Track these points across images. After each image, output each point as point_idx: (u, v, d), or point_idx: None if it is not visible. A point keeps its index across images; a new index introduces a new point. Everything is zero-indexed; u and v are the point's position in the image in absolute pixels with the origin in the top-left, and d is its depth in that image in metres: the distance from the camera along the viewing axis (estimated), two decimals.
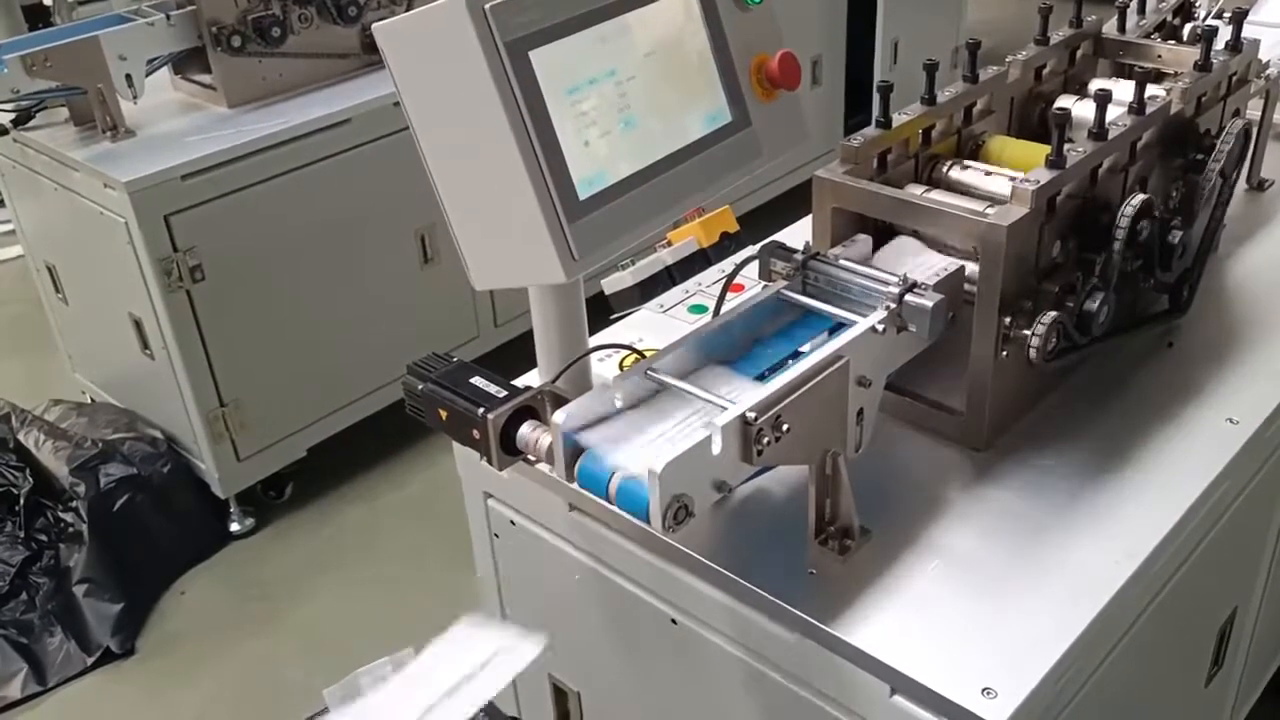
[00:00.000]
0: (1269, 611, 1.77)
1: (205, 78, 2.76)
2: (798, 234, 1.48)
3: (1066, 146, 1.22)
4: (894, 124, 1.33)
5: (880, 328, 1.10)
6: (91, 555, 2.59)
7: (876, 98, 1.33)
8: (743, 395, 1.02)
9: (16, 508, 2.65)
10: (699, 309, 1.59)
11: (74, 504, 2.62)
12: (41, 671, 2.50)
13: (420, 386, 1.12)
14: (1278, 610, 1.84)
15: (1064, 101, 1.51)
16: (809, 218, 1.34)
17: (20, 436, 2.75)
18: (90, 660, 2.53)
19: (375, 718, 1.02)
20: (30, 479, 2.67)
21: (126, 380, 2.93)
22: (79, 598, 2.58)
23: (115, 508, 2.65)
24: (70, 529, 2.63)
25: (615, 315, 1.60)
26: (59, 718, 2.45)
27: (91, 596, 2.58)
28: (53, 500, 2.67)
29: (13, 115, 2.68)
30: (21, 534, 2.63)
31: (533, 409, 1.07)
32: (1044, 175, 1.20)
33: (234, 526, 2.90)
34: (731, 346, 1.14)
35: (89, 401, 3.12)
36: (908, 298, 1.12)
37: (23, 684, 2.48)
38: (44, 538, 2.65)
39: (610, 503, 1.00)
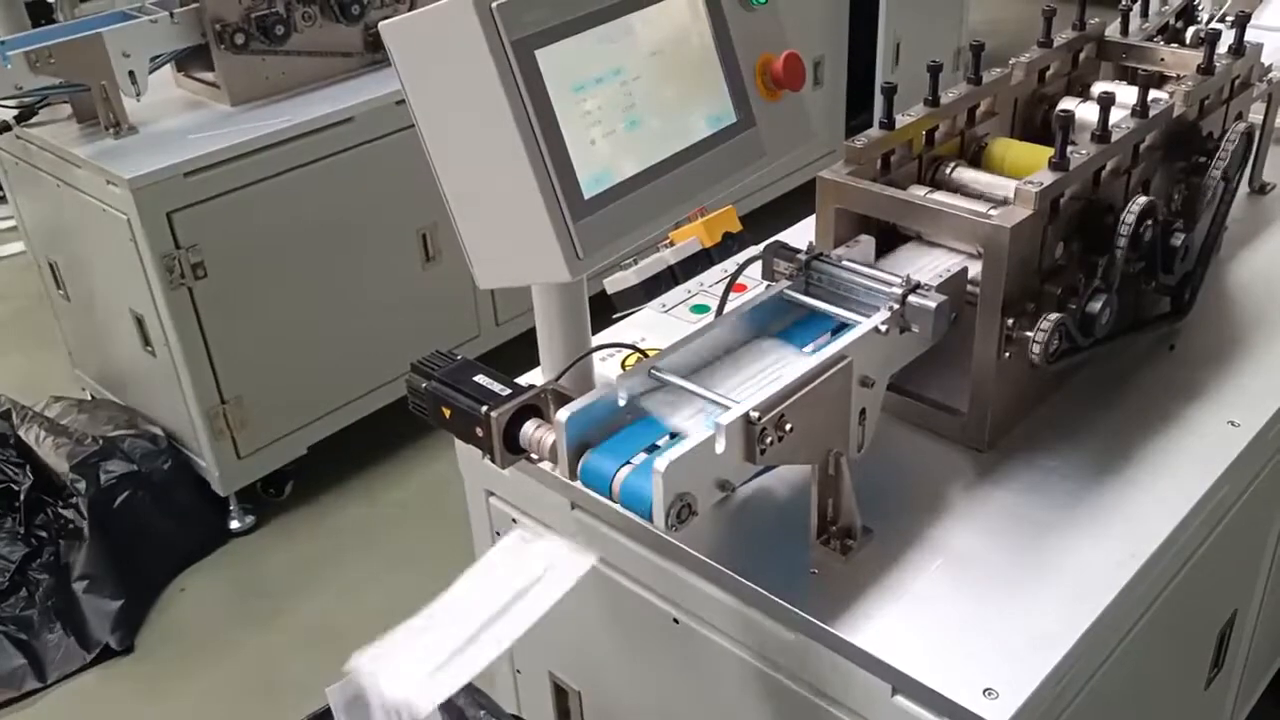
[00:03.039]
0: (1268, 614, 1.78)
1: (208, 75, 2.77)
2: (801, 234, 1.48)
3: (1070, 149, 1.22)
4: (897, 125, 1.33)
5: (883, 328, 1.11)
6: (91, 552, 2.59)
7: (880, 99, 1.33)
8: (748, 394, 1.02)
9: (17, 504, 2.65)
10: (701, 309, 1.59)
11: (74, 500, 2.62)
12: (41, 668, 2.50)
13: (424, 384, 1.12)
14: (1277, 613, 1.84)
15: (1067, 104, 1.52)
16: (812, 218, 1.34)
17: (21, 433, 2.75)
18: (89, 657, 2.53)
19: (427, 641, 1.02)
20: (30, 475, 2.68)
21: (127, 377, 2.94)
22: (79, 594, 2.58)
23: (115, 504, 2.65)
24: (70, 525, 2.63)
25: (617, 314, 1.60)
26: (58, 714, 2.45)
27: (91, 593, 2.58)
28: (53, 497, 2.67)
29: (16, 111, 2.68)
30: (21, 530, 2.63)
31: (536, 407, 1.08)
32: (1047, 177, 1.20)
33: (234, 524, 2.90)
34: (734, 346, 1.15)
35: (90, 398, 3.12)
36: (911, 298, 1.12)
37: (22, 680, 2.48)
38: (44, 534, 2.65)
39: (614, 501, 1.00)
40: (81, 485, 2.62)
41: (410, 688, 1.00)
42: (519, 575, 1.07)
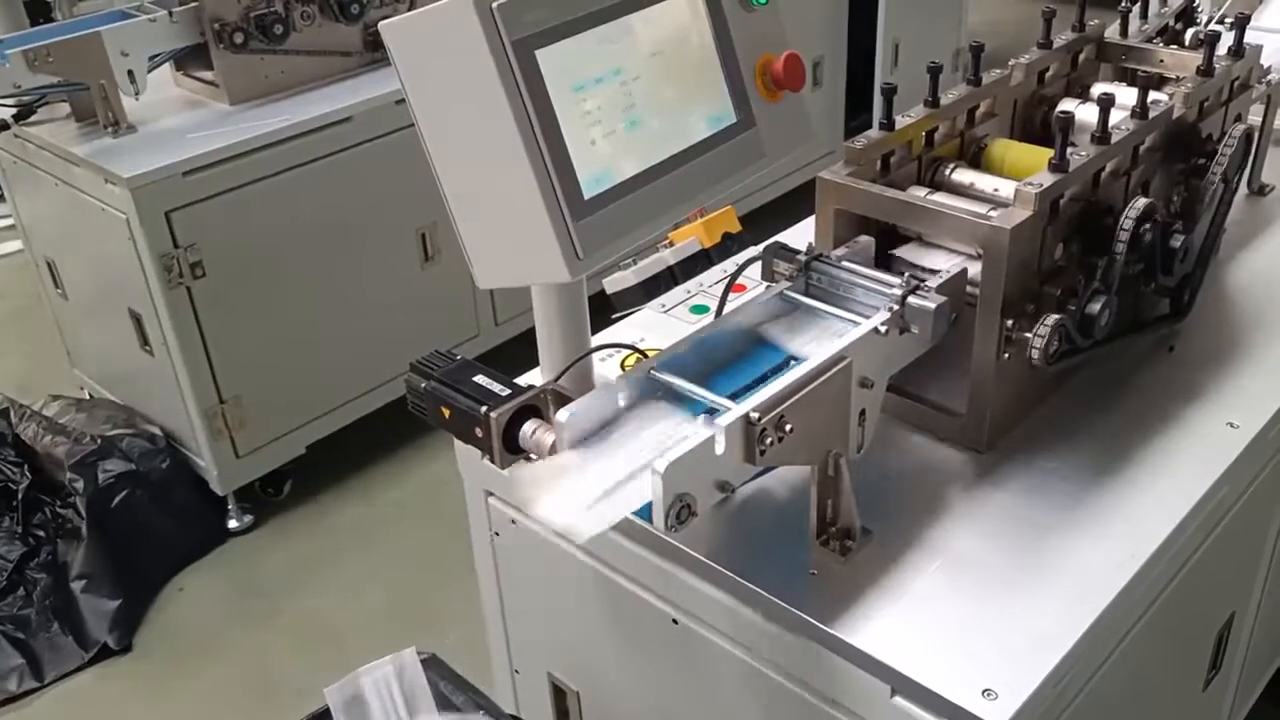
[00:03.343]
0: (1266, 616, 1.78)
1: (207, 74, 2.76)
2: (800, 235, 1.49)
3: (1069, 150, 1.22)
4: (897, 126, 1.33)
5: (883, 329, 1.11)
6: (89, 551, 2.59)
7: (880, 100, 1.33)
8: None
9: (15, 503, 2.65)
10: (701, 309, 1.59)
11: (72, 500, 2.62)
12: (38, 667, 2.50)
13: (423, 384, 1.12)
14: (1275, 615, 1.84)
15: (1067, 105, 1.52)
16: (811, 218, 1.34)
17: (19, 432, 2.75)
18: (87, 656, 2.53)
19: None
20: (29, 474, 2.68)
21: (126, 376, 2.93)
22: (76, 594, 2.57)
23: (113, 504, 2.64)
24: (68, 525, 2.62)
25: (617, 314, 1.60)
26: (55, 714, 2.45)
27: (89, 592, 2.58)
28: (51, 496, 2.67)
29: (14, 110, 2.67)
30: (19, 529, 2.63)
31: (535, 407, 1.08)
32: (1047, 178, 1.20)
33: (232, 523, 2.89)
34: (733, 347, 1.15)
35: (88, 397, 3.12)
36: (910, 299, 1.12)
37: (19, 679, 2.48)
38: (42, 533, 2.65)
39: None
40: (79, 484, 2.61)
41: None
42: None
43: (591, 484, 0.97)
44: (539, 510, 0.96)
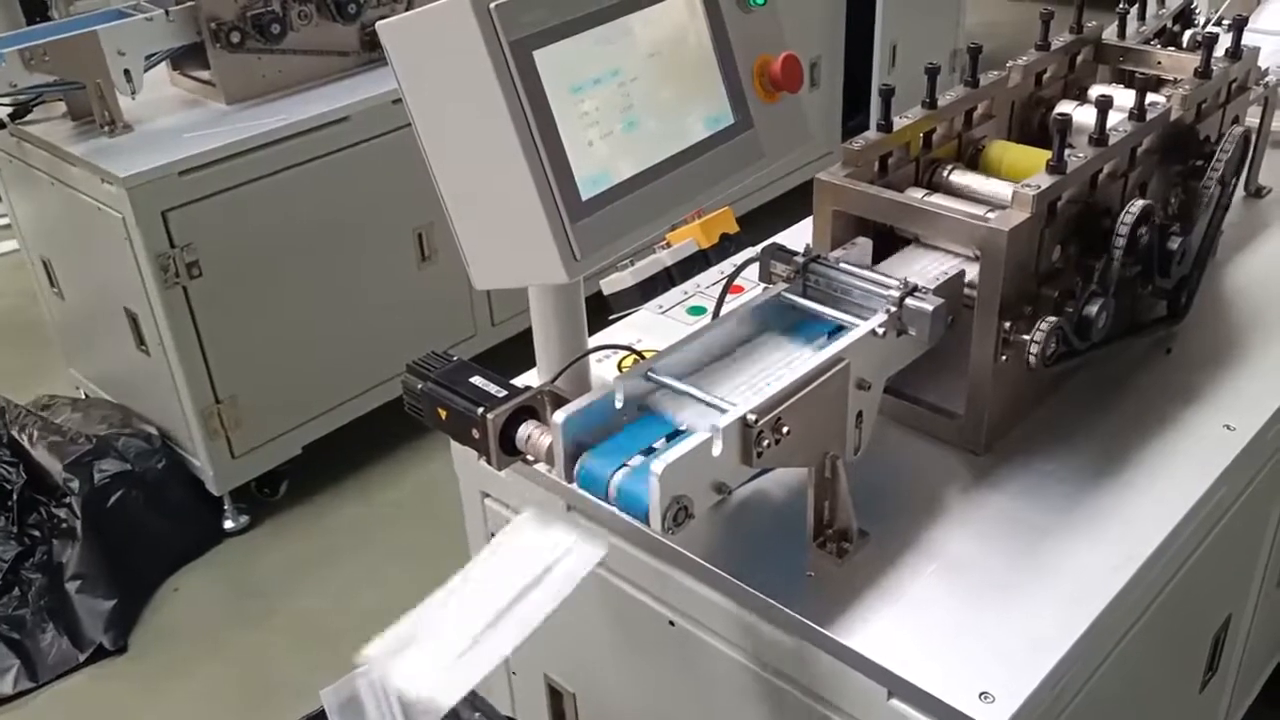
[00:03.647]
0: (1263, 617, 1.78)
1: (204, 74, 2.76)
2: (798, 236, 1.48)
3: (1067, 152, 1.22)
4: (895, 127, 1.33)
5: (880, 331, 1.11)
6: (85, 551, 2.59)
7: (877, 101, 1.33)
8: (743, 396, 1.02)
9: (10, 503, 2.64)
10: (698, 310, 1.59)
11: (67, 500, 2.61)
12: (33, 668, 2.49)
13: (420, 385, 1.11)
14: (1271, 616, 1.84)
15: (1064, 107, 1.52)
16: (809, 219, 1.34)
17: (14, 432, 2.75)
18: (82, 657, 2.52)
19: (445, 628, 1.01)
20: (23, 474, 2.67)
21: (121, 376, 2.93)
22: (72, 594, 2.57)
23: (109, 504, 2.64)
24: (63, 525, 2.62)
25: (614, 315, 1.60)
26: (50, 715, 2.44)
27: (84, 593, 2.57)
28: (46, 496, 2.66)
29: (10, 109, 2.66)
30: (14, 529, 2.63)
31: (532, 409, 1.07)
32: (1044, 180, 1.20)
33: (228, 524, 2.89)
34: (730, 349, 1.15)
35: (83, 397, 3.11)
36: (908, 301, 1.12)
37: (14, 680, 2.47)
38: (37, 533, 2.64)
39: (610, 503, 1.00)
40: (75, 484, 2.61)
41: (432, 682, 0.97)
42: (533, 560, 1.05)
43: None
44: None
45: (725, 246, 1.66)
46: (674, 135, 1.13)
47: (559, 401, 1.05)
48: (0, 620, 2.52)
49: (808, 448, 1.06)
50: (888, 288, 1.14)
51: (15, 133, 2.69)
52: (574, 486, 1.03)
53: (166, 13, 2.62)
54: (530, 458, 1.07)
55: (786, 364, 1.12)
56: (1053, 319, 1.21)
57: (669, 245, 1.65)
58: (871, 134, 1.32)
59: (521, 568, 1.05)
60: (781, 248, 1.23)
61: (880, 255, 1.32)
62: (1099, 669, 1.17)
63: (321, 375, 2.89)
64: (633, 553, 1.24)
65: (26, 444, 2.71)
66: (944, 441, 1.31)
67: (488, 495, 1.44)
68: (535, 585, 1.04)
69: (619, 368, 1.39)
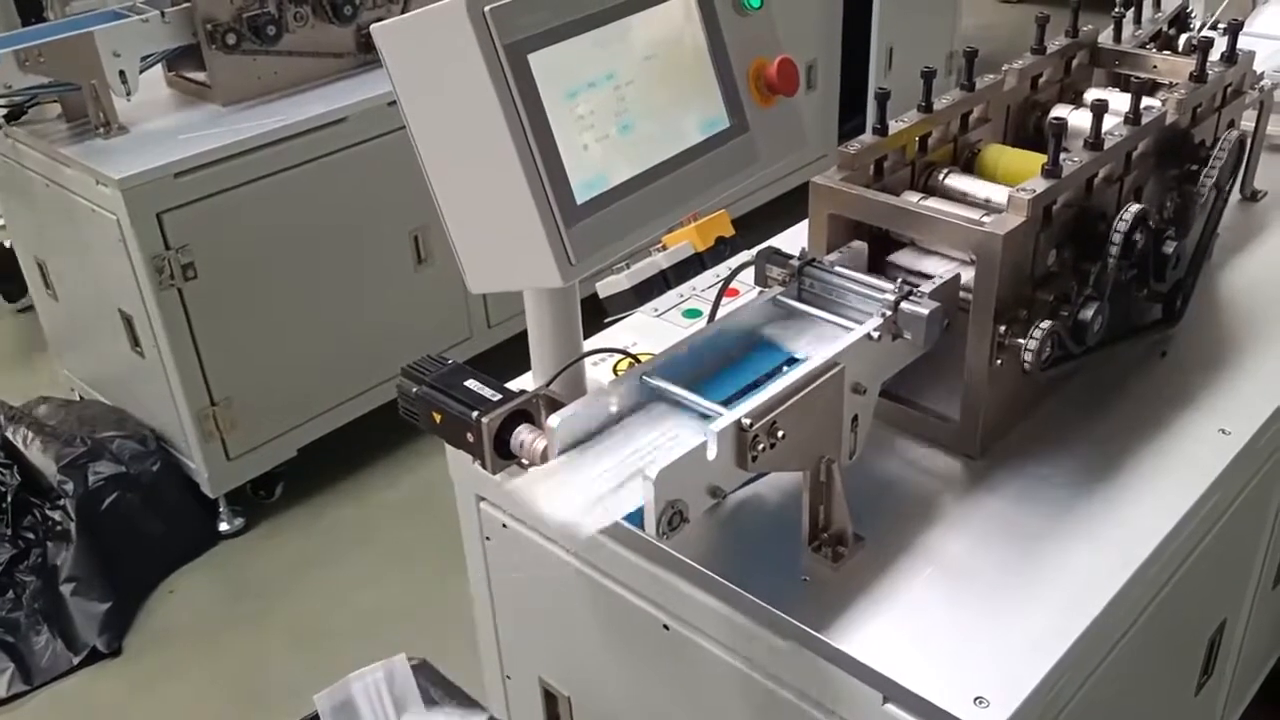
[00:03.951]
0: (1258, 621, 1.78)
1: (199, 75, 2.76)
2: (793, 239, 1.48)
3: (1062, 156, 1.22)
4: (891, 131, 1.33)
5: (875, 335, 1.11)
6: (79, 554, 2.58)
7: (873, 105, 1.33)
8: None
9: (4, 505, 2.63)
10: (694, 313, 1.58)
11: (62, 502, 2.61)
12: (27, 670, 2.49)
13: (414, 389, 1.11)
14: (1266, 620, 1.84)
15: (1060, 111, 1.52)
16: (805, 223, 1.34)
17: (8, 433, 2.74)
18: (77, 659, 2.52)
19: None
20: (18, 476, 2.66)
21: (116, 378, 2.92)
22: (66, 596, 2.56)
23: (103, 506, 2.63)
24: (58, 527, 2.61)
25: (609, 318, 1.59)
26: (45, 717, 2.43)
27: (79, 595, 2.57)
28: (40, 498, 2.65)
29: (5, 110, 2.66)
30: (9, 532, 2.62)
31: (527, 413, 1.07)
32: (1040, 184, 1.20)
33: (223, 526, 2.88)
34: (725, 353, 1.14)
35: (78, 399, 3.10)
36: (903, 305, 1.12)
37: (8, 683, 2.46)
38: (31, 536, 2.63)
39: None
40: (69, 486, 2.60)
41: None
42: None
43: (589, 483, 0.97)
44: (539, 508, 0.95)
45: (721, 250, 1.66)
46: (669, 139, 1.13)
47: (554, 405, 1.05)
48: None
49: (803, 452, 1.06)
50: (883, 291, 1.14)
51: (10, 134, 2.69)
52: None
53: (162, 14, 2.61)
54: (525, 461, 1.07)
55: (781, 368, 1.12)
56: (1048, 323, 1.21)
57: (665, 248, 1.64)
58: (867, 137, 1.32)
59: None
60: (777, 251, 1.23)
61: (877, 259, 1.32)
62: (1094, 673, 1.17)
63: (317, 377, 2.88)
64: (628, 556, 1.23)
65: (20, 446, 2.71)
66: (939, 445, 1.31)
67: (483, 499, 1.44)
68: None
69: (614, 371, 1.39)
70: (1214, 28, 1.85)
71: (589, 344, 1.32)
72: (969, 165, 1.44)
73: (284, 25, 2.74)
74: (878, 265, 1.33)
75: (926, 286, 1.16)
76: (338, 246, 2.82)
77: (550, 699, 1.50)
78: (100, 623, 2.56)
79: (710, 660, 1.20)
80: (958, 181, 1.39)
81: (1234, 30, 1.51)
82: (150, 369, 2.68)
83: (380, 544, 2.84)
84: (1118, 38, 1.65)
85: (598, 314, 1.53)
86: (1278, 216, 1.78)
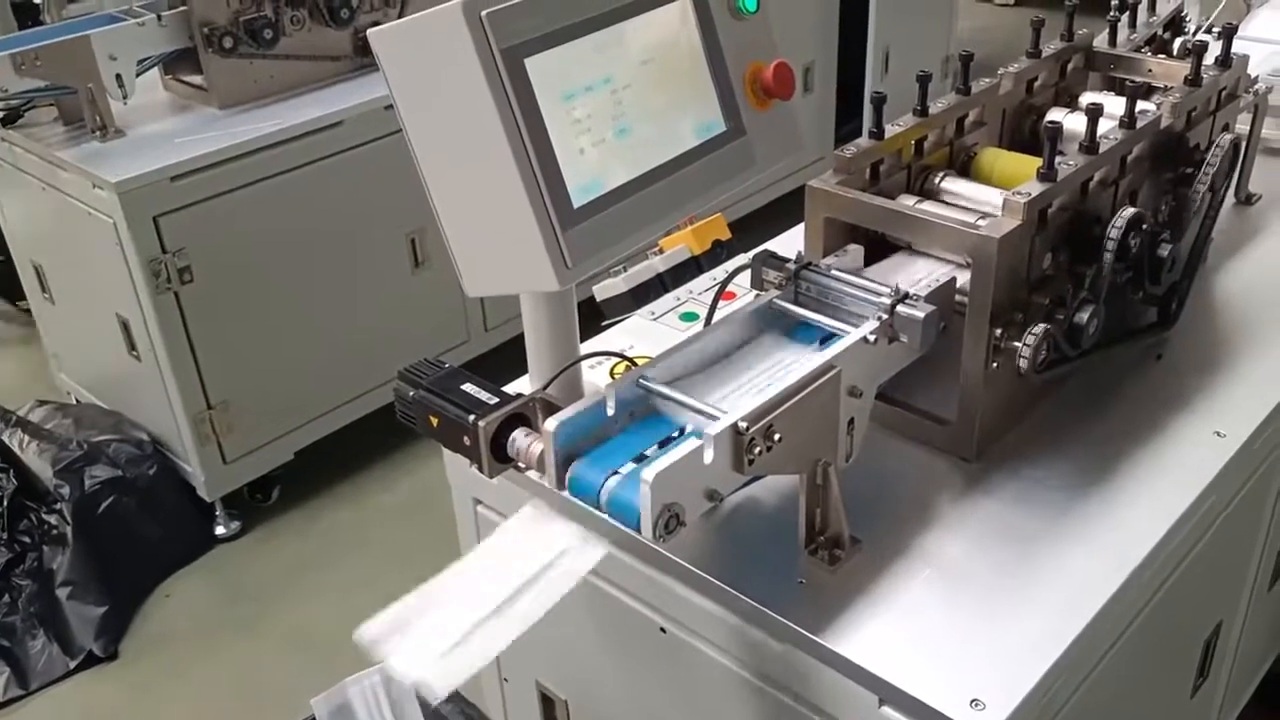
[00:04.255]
0: (1253, 624, 1.78)
1: (196, 78, 2.76)
2: (790, 242, 1.48)
3: (1058, 159, 1.22)
4: (887, 135, 1.33)
5: (872, 338, 1.11)
6: (75, 558, 2.58)
7: (869, 108, 1.34)
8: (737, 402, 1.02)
9: (0, 509, 2.63)
10: (690, 316, 1.58)
11: (58, 506, 2.60)
12: (23, 674, 2.48)
13: (411, 393, 1.11)
14: (1262, 622, 1.85)
15: (1055, 114, 1.52)
16: (801, 226, 1.34)
17: (4, 437, 2.74)
18: (73, 664, 2.51)
19: (442, 616, 0.99)
20: (14, 480, 2.66)
21: (112, 381, 2.92)
22: (62, 600, 2.56)
23: (100, 510, 2.63)
24: (54, 531, 2.61)
25: (606, 322, 1.60)
26: None
27: (75, 599, 2.56)
28: (36, 502, 2.65)
29: (1, 114, 2.66)
30: (4, 536, 2.61)
31: (524, 416, 1.07)
32: (1035, 188, 1.20)
33: (220, 529, 2.88)
34: (722, 355, 1.15)
35: (74, 403, 3.10)
36: (899, 308, 1.12)
37: (4, 688, 2.46)
38: (27, 540, 2.63)
39: (601, 511, 0.99)
40: (65, 490, 2.60)
41: (428, 667, 0.95)
42: (535, 554, 1.05)
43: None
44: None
45: (718, 253, 1.66)
46: (666, 143, 1.13)
47: (551, 409, 1.05)
48: None
49: (799, 455, 1.06)
50: (879, 295, 1.14)
51: (6, 138, 2.69)
52: (565, 494, 1.02)
53: (159, 17, 2.61)
54: (522, 465, 1.07)
55: (779, 370, 1.12)
56: (1044, 326, 1.21)
57: (661, 251, 1.65)
58: (863, 141, 1.32)
59: (522, 562, 1.04)
60: (773, 254, 1.23)
61: (872, 262, 1.33)
62: (1090, 675, 1.17)
63: (314, 381, 2.88)
64: (625, 559, 1.23)
65: (17, 450, 2.70)
66: (936, 448, 1.31)
67: (480, 502, 1.44)
68: (535, 581, 1.03)
69: (611, 374, 1.39)
70: (1208, 31, 1.85)
71: (586, 347, 1.32)
72: (965, 169, 1.45)
73: (281, 29, 2.74)
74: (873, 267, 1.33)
75: (922, 290, 1.17)
76: (335, 249, 2.82)
77: (548, 702, 1.50)
78: (96, 627, 2.56)
79: (707, 663, 1.20)
80: (953, 185, 1.39)
81: (1228, 34, 1.52)
82: (147, 372, 2.67)
83: (377, 547, 2.84)
84: (1113, 41, 1.66)
85: (595, 317, 1.54)
86: (1272, 220, 1.79)
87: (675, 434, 1.05)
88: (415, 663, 0.95)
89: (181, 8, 2.63)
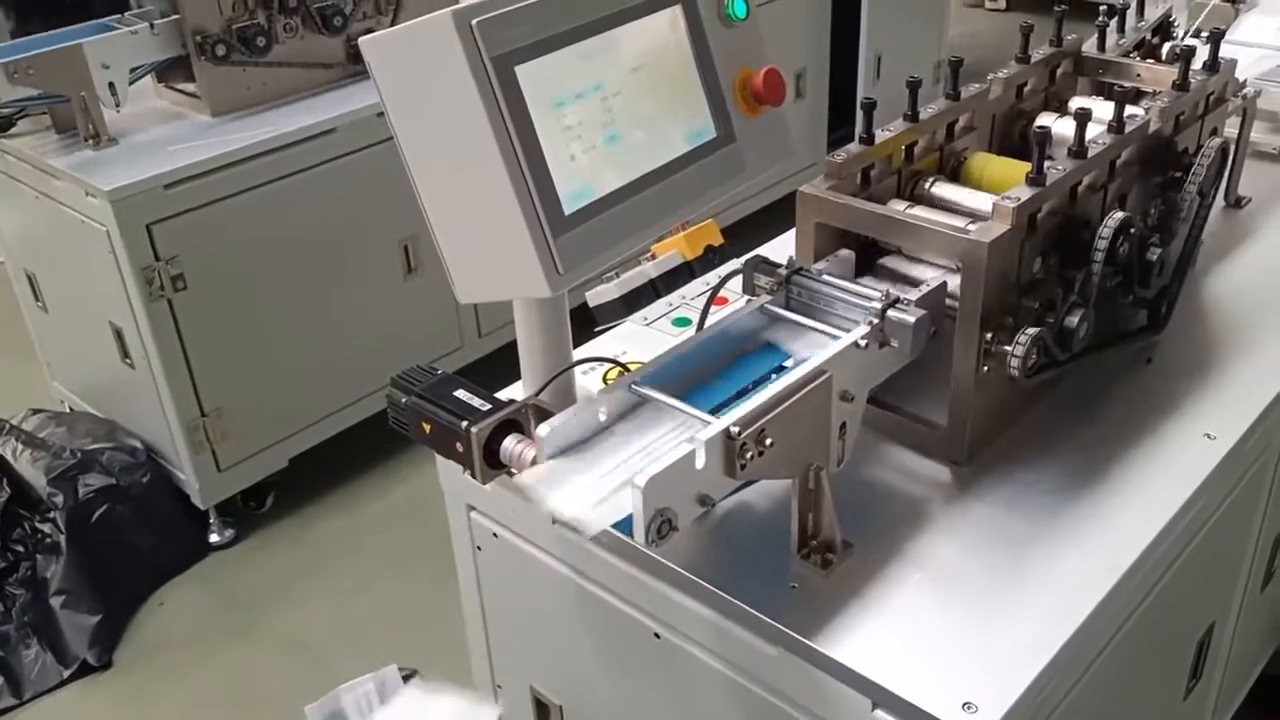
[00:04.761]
0: (1246, 625, 1.79)
1: (189, 86, 2.76)
2: (781, 247, 1.49)
3: (1047, 164, 1.23)
4: (877, 140, 1.34)
5: (863, 343, 1.11)
6: (69, 566, 2.57)
7: (860, 114, 1.34)
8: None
9: None
10: (683, 322, 1.59)
11: (52, 514, 2.60)
12: (17, 684, 2.48)
13: (404, 399, 1.11)
14: (1254, 624, 1.85)
15: (1044, 119, 1.53)
16: (793, 231, 1.35)
17: None
18: (67, 673, 2.51)
19: None
20: (7, 489, 2.65)
21: (106, 389, 2.91)
22: (56, 609, 2.55)
23: (94, 518, 2.62)
24: (48, 540, 2.60)
25: (599, 327, 1.60)
26: None
27: (69, 608, 2.56)
28: (30, 511, 2.64)
29: None
30: None
31: (516, 422, 1.07)
32: (1025, 192, 1.21)
33: (214, 537, 2.87)
34: (715, 361, 1.15)
35: (68, 411, 3.09)
36: (890, 313, 1.13)
37: None
38: (21, 548, 2.62)
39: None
40: (59, 499, 2.60)
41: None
42: None
43: (592, 484, 0.98)
44: (549, 504, 0.97)
45: (710, 258, 1.67)
46: (656, 149, 1.13)
47: (543, 415, 1.05)
48: None
49: (791, 459, 1.07)
50: (870, 300, 1.15)
51: None
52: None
53: (151, 26, 2.62)
54: (514, 471, 1.07)
55: (769, 376, 1.13)
56: (1034, 330, 1.21)
57: (654, 257, 1.66)
58: (854, 147, 1.33)
59: None
60: (765, 260, 1.24)
61: (865, 266, 1.33)
62: (1083, 678, 1.17)
63: (308, 388, 2.88)
64: (617, 564, 1.24)
65: (10, 458, 2.70)
66: (927, 452, 1.31)
67: (473, 508, 1.44)
68: None
69: (604, 380, 1.39)
70: (1197, 36, 1.86)
71: (578, 353, 1.33)
72: (955, 174, 1.45)
73: (273, 36, 2.74)
74: (865, 274, 1.34)
75: (913, 294, 1.17)
76: (327, 257, 2.82)
77: (542, 708, 1.50)
78: (90, 635, 2.55)
79: (701, 668, 1.20)
80: (944, 190, 1.40)
81: (1216, 39, 1.53)
82: (140, 380, 2.67)
83: (371, 554, 2.83)
84: (1101, 46, 1.67)
85: (587, 323, 1.54)
86: (1261, 223, 1.80)
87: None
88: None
89: (174, 16, 2.63)
